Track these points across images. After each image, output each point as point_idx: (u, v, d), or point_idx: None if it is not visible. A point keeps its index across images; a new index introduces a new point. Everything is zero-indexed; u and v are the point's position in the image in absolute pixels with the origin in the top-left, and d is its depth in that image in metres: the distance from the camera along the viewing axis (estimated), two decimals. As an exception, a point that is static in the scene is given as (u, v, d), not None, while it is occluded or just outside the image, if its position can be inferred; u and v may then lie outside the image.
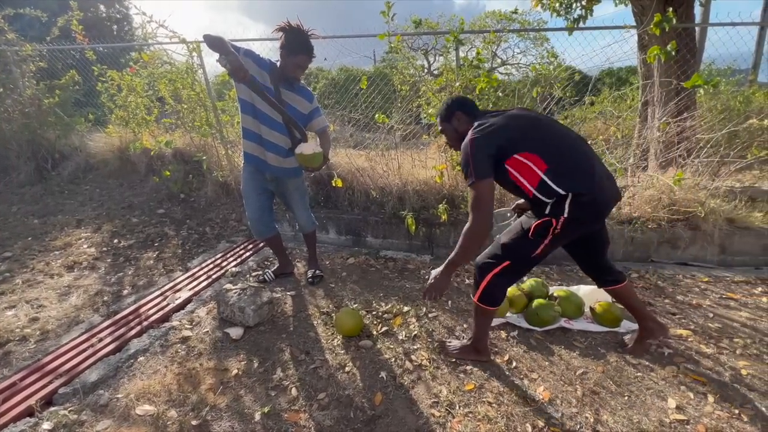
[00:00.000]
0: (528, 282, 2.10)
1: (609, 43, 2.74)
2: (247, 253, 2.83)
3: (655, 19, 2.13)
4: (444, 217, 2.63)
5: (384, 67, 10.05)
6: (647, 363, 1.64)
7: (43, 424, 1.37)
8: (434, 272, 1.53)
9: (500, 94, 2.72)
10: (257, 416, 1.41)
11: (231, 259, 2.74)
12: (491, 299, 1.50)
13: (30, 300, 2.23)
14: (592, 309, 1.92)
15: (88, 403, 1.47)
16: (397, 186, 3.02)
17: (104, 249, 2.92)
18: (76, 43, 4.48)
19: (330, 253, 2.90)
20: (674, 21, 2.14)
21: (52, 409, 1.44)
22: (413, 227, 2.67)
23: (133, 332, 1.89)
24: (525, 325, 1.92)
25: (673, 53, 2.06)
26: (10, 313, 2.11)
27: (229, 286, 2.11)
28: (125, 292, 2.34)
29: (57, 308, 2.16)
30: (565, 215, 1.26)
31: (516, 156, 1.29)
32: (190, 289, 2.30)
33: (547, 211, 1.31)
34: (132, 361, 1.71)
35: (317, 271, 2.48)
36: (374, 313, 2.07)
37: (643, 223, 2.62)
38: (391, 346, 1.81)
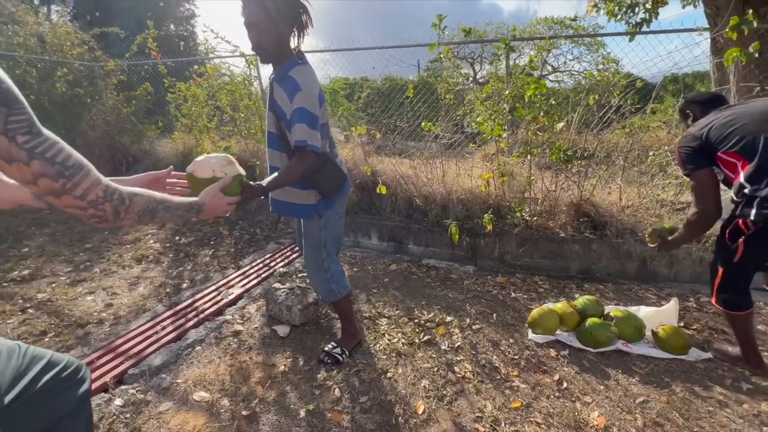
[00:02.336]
0: (581, 299, 1.99)
1: (677, 47, 2.55)
2: (294, 255, 2.94)
3: (731, 22, 1.96)
4: (489, 227, 2.57)
5: (428, 75, 10.10)
6: (721, 397, 1.48)
7: (115, 400, 1.51)
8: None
9: (552, 102, 2.63)
10: (302, 413, 1.46)
11: (279, 259, 2.86)
12: (727, 304, 1.45)
13: (106, 287, 2.48)
14: (654, 333, 1.77)
15: (153, 385, 1.60)
16: (441, 194, 3.01)
17: (167, 245, 3.18)
18: (150, 58, 4.99)
19: (372, 258, 2.94)
20: (755, 24, 1.94)
21: (123, 387, 1.58)
22: (457, 237, 2.63)
23: (191, 323, 2.04)
24: (577, 344, 1.81)
25: (756, 56, 1.87)
26: (89, 298, 2.36)
27: (277, 285, 2.21)
28: (185, 285, 2.53)
29: (128, 296, 2.38)
30: (752, 218, 1.18)
31: (720, 154, 1.32)
32: (241, 286, 2.44)
33: (737, 212, 1.26)
34: (190, 350, 1.84)
35: (334, 348, 1.75)
36: (416, 321, 2.06)
37: (714, 242, 2.38)
38: (434, 356, 1.79)
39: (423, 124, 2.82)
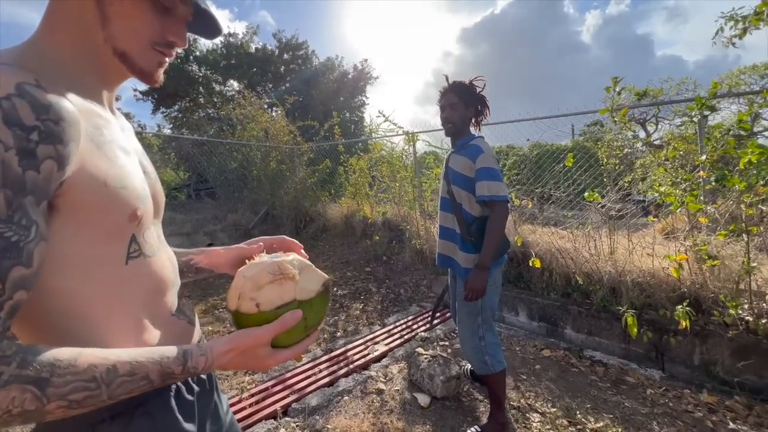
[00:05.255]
0: None
1: None
2: (436, 321, 2.93)
3: None
4: (684, 323, 2.00)
5: (585, 140, 9.32)
6: None
7: (279, 430, 1.72)
8: None
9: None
10: (443, 503, 1.33)
11: (421, 322, 2.90)
12: None
13: (281, 325, 2.98)
14: None
15: (308, 424, 1.76)
16: (608, 274, 2.57)
17: (327, 294, 3.66)
18: (330, 140, 6.30)
19: (520, 338, 2.65)
20: None
21: (287, 419, 1.80)
22: (635, 329, 2.15)
23: (342, 372, 2.21)
24: None
25: None
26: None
27: (420, 350, 2.21)
28: (338, 334, 2.80)
29: (295, 335, 2.79)
30: None
31: None
32: (385, 344, 2.54)
33: None
34: (339, 398, 1.98)
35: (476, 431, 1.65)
36: (579, 427, 1.70)
37: None
38: (608, 482, 1.41)
39: (587, 193, 2.57)
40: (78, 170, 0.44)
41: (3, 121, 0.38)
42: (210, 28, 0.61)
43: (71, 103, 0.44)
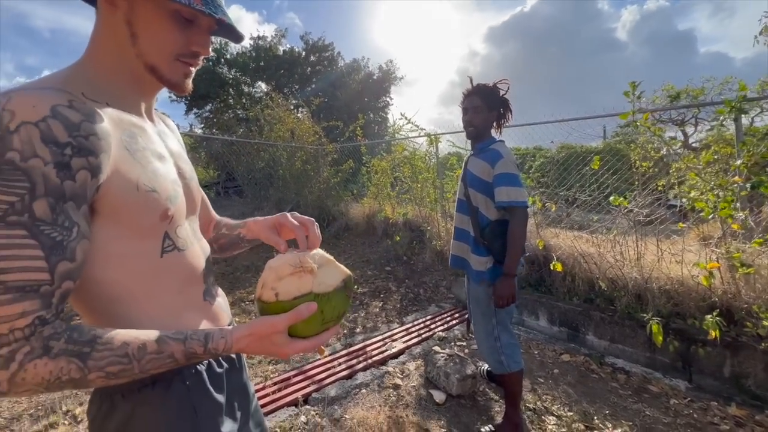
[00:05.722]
0: None
1: None
2: (454, 321, 2.95)
3: None
4: (714, 333, 1.93)
5: (617, 141, 8.98)
6: None
7: (300, 416, 1.81)
8: None
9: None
10: (454, 496, 1.37)
11: (439, 322, 2.92)
12: None
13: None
14: None
15: (327, 413, 1.84)
16: (634, 280, 2.50)
17: (348, 291, 3.74)
18: (355, 141, 6.42)
19: (539, 341, 2.63)
20: None
21: (307, 407, 1.88)
22: (660, 338, 2.09)
23: (360, 366, 2.28)
24: None
25: None
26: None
27: (437, 348, 2.25)
28: (358, 330, 2.88)
29: (316, 330, 2.89)
30: None
31: None
32: (403, 342, 2.59)
33: None
34: (357, 390, 2.05)
35: (489, 430, 1.70)
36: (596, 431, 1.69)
37: None
38: (623, 488, 1.40)
39: (612, 198, 2.51)
40: (112, 176, 0.50)
41: (41, 140, 0.43)
42: (236, 32, 0.63)
43: (104, 117, 0.50)
